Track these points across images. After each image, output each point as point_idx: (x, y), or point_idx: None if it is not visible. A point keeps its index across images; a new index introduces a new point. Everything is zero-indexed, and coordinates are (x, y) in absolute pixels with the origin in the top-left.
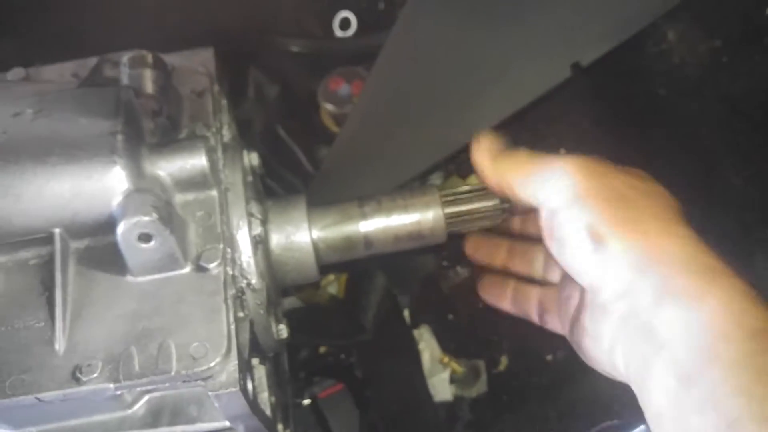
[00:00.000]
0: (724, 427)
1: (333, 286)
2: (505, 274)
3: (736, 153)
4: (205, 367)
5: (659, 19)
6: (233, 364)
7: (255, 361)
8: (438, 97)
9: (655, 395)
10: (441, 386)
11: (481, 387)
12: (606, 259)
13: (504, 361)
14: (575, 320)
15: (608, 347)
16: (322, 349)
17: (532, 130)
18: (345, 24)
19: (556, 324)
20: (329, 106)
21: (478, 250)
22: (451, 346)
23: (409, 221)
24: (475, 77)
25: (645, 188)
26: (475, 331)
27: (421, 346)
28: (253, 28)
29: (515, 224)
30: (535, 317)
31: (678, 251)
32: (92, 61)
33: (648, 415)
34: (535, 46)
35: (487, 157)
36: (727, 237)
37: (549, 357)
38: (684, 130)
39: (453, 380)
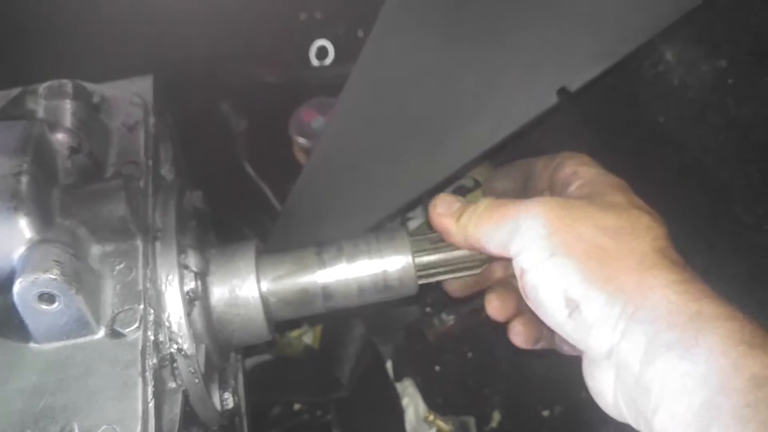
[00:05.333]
0: None
1: (308, 335)
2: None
3: (746, 188)
4: None
5: (655, 38)
6: None
7: None
8: (413, 127)
9: None
10: None
11: None
12: (585, 324)
13: (496, 417)
14: (582, 369)
15: (612, 402)
16: (297, 406)
17: (519, 159)
18: (322, 53)
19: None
20: (301, 140)
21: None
22: (438, 401)
23: (374, 271)
24: (453, 105)
25: (618, 226)
26: (465, 383)
27: (405, 401)
28: (222, 56)
29: (497, 271)
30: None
31: (661, 304)
32: (15, 92)
33: None
34: (516, 69)
35: (446, 216)
36: (736, 286)
37: (546, 412)
38: (686, 161)
39: None
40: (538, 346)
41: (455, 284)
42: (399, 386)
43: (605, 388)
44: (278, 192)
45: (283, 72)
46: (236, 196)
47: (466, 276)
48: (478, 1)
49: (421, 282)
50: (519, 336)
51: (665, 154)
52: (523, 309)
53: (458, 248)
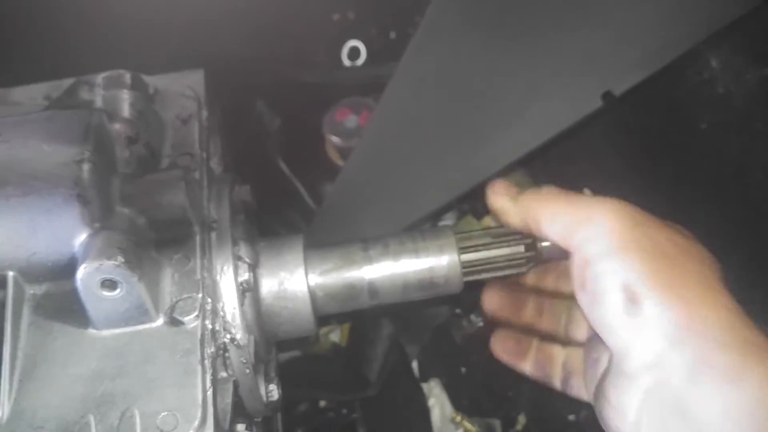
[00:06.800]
0: None
1: (335, 333)
2: (526, 330)
3: None
4: None
5: (701, 45)
6: None
7: (240, 427)
8: (453, 129)
9: None
10: None
11: None
12: (639, 323)
13: (522, 421)
14: (600, 386)
15: (634, 420)
16: (323, 403)
17: (553, 167)
18: (354, 53)
19: (581, 389)
20: (335, 139)
21: (500, 305)
22: (463, 402)
23: (420, 267)
24: (495, 108)
25: (686, 245)
26: (491, 386)
27: (431, 402)
28: (258, 56)
29: (529, 279)
30: (557, 382)
31: (717, 322)
32: (68, 82)
33: None
34: (562, 73)
35: (506, 195)
36: None
37: (572, 417)
38: (728, 169)
39: None
40: (526, 370)
41: (495, 299)
42: (425, 387)
43: (630, 402)
44: (310, 189)
45: (315, 71)
46: (269, 192)
47: (510, 274)
48: (523, 4)
49: (466, 280)
50: (500, 345)
51: (706, 162)
52: (514, 321)
53: (502, 246)
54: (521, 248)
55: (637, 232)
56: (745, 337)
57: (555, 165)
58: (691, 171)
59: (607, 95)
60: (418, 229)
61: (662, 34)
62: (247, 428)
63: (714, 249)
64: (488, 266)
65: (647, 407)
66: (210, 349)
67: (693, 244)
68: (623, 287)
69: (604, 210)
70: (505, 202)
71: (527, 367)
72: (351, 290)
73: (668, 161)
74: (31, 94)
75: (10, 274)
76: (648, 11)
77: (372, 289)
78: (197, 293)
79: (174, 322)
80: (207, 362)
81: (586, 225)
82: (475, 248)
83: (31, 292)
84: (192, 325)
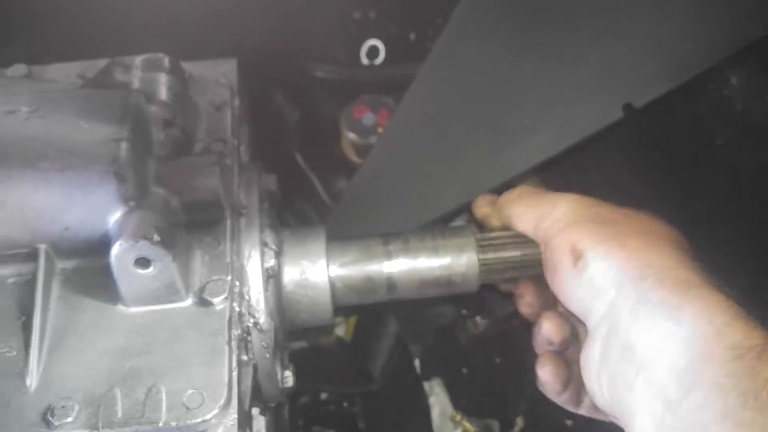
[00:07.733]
0: None
1: (340, 327)
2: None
3: None
4: (199, 420)
5: (722, 62)
6: (232, 417)
7: (255, 411)
8: (473, 133)
9: (640, 420)
10: None
11: None
12: (587, 277)
13: (520, 423)
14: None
15: (596, 376)
16: (324, 395)
17: (565, 177)
18: (373, 52)
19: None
20: (352, 135)
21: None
22: (463, 402)
23: (438, 265)
24: (516, 113)
25: (637, 217)
26: (491, 387)
27: (431, 400)
28: (278, 49)
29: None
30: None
31: (655, 264)
32: (102, 62)
33: None
34: (585, 82)
35: (487, 203)
36: None
37: (569, 422)
38: (741, 186)
39: None
40: (563, 398)
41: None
42: (426, 385)
43: (592, 359)
44: (324, 184)
45: (334, 68)
46: (283, 183)
47: (528, 275)
48: (548, 12)
49: (484, 279)
50: (544, 369)
51: (719, 177)
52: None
53: (521, 247)
54: (539, 249)
55: (588, 210)
56: (683, 277)
57: (567, 175)
58: (704, 185)
59: (627, 107)
60: (439, 226)
61: (685, 50)
62: (261, 413)
63: (721, 265)
64: (506, 266)
65: (603, 358)
66: (236, 331)
67: (649, 218)
68: (570, 250)
69: (563, 201)
70: (486, 208)
71: (563, 398)
72: (369, 283)
73: (681, 175)
74: (66, 71)
75: (42, 247)
76: (672, 27)
77: (390, 283)
78: (227, 276)
79: (203, 302)
80: (233, 344)
81: (548, 217)
82: (494, 248)
83: (62, 266)
84: (221, 307)
